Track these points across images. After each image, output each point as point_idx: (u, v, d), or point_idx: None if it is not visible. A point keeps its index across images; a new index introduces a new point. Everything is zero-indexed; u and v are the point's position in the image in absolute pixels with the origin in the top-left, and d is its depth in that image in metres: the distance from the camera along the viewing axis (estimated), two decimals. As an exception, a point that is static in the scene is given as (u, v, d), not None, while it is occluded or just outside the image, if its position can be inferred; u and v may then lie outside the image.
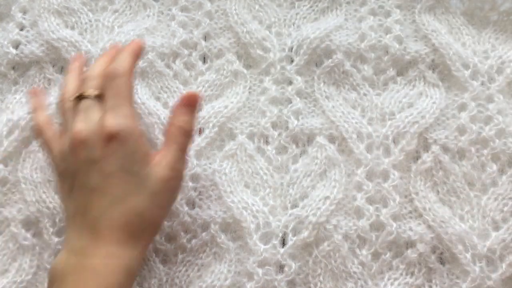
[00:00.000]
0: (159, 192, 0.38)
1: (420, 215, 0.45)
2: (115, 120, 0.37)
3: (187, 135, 0.40)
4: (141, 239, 0.37)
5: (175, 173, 0.39)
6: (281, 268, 0.43)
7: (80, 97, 0.40)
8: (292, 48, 0.51)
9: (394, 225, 0.44)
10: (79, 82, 0.42)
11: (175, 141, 0.39)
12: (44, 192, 0.46)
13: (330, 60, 0.50)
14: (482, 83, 0.48)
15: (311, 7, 0.53)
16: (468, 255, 0.43)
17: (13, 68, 0.52)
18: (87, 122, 0.38)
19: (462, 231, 0.43)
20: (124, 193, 0.37)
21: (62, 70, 0.51)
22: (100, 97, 0.39)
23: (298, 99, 0.49)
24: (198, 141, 0.47)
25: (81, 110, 0.39)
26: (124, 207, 0.37)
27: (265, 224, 0.44)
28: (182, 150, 0.40)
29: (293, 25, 0.52)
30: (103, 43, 0.51)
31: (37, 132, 0.43)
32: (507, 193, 0.45)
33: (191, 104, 0.40)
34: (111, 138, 0.37)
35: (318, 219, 0.44)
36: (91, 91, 0.39)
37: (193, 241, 0.44)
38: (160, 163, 0.38)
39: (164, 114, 0.48)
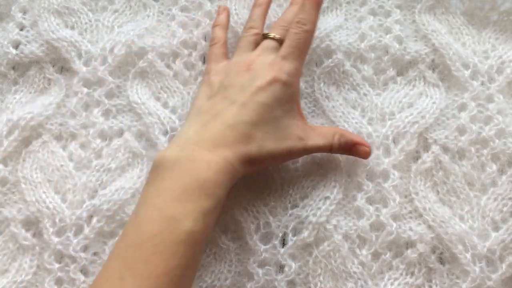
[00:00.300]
0: (280, 149, 0.41)
1: (420, 215, 0.45)
2: (283, 69, 0.42)
3: (330, 149, 0.44)
4: (246, 165, 0.40)
5: (300, 153, 0.43)
6: (281, 268, 0.43)
7: (265, 36, 0.46)
8: (292, 48, 0.50)
9: (394, 225, 0.44)
10: (264, 19, 0.49)
11: (327, 141, 0.43)
12: (44, 192, 0.46)
13: (330, 60, 0.50)
14: (482, 83, 0.48)
15: (311, 7, 0.53)
16: (468, 255, 0.43)
17: (13, 68, 0.52)
18: (263, 57, 0.44)
19: (462, 231, 0.43)
20: (258, 121, 0.40)
21: (62, 70, 0.51)
22: (280, 42, 0.45)
23: (298, 99, 0.49)
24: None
25: (262, 46, 0.45)
26: (252, 132, 0.40)
27: (265, 224, 0.44)
28: (319, 150, 0.44)
29: (293, 25, 0.52)
30: (103, 43, 0.51)
31: (211, 43, 0.49)
32: (506, 193, 0.45)
33: (358, 152, 0.44)
34: (274, 81, 0.41)
35: (318, 219, 0.44)
36: (274, 35, 0.45)
37: (193, 241, 0.44)
38: (303, 133, 0.42)
39: (164, 114, 0.48)
